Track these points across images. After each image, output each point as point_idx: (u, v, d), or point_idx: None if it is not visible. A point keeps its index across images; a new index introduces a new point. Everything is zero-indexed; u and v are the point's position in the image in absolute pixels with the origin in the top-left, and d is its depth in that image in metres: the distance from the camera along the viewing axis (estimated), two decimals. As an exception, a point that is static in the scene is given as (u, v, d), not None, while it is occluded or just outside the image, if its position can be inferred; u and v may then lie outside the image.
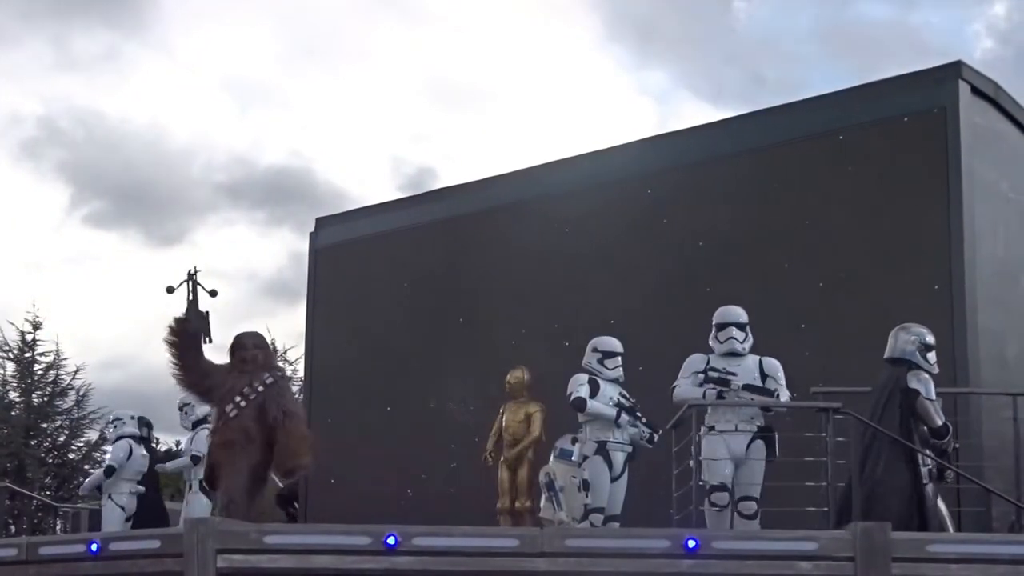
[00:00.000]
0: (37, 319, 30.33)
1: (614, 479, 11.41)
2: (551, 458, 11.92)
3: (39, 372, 30.23)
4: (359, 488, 16.13)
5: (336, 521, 10.93)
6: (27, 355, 30.15)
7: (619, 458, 11.47)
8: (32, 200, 49.73)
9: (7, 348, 30.14)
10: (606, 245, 14.75)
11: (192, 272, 10.05)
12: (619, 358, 11.77)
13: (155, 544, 8.99)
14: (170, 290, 10.02)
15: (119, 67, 52.42)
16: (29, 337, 30.21)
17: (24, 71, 50.42)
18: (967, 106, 12.59)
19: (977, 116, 12.78)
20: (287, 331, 47.72)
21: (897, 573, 8.30)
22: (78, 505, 17.58)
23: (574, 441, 11.86)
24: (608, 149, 15.50)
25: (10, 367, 30.12)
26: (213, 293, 10.03)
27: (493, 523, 12.24)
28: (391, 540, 8.49)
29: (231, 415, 9.68)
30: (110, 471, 14.38)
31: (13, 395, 30.00)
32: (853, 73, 57.48)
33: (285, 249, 53.02)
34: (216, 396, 9.87)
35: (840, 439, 9.95)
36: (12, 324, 30.60)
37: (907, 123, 12.85)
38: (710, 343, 11.14)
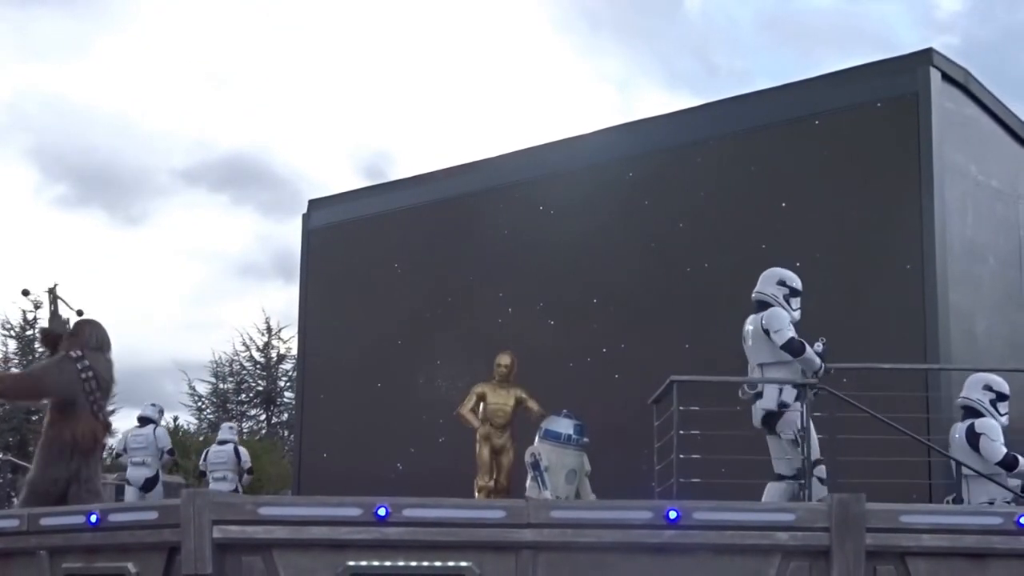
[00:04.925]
0: (38, 298, 30.59)
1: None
2: (536, 439, 12.04)
3: (40, 350, 30.48)
4: (351, 462, 16.48)
5: (329, 493, 11.17)
6: (28, 333, 30.46)
7: None
8: (1, 184, 49.64)
9: (9, 326, 30.47)
10: (589, 226, 14.99)
11: (53, 288, 10.40)
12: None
13: (152, 515, 9.03)
14: (26, 292, 10.40)
15: (83, 54, 52.46)
16: (30, 316, 30.57)
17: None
18: (938, 92, 12.83)
19: (948, 102, 13.02)
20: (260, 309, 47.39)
21: (871, 543, 8.42)
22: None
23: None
24: (591, 133, 15.75)
25: (12, 344, 30.49)
26: (80, 313, 10.38)
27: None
28: (382, 511, 8.49)
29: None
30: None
31: (15, 372, 30.26)
32: (798, 62, 57.41)
33: (249, 230, 52.79)
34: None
35: (817, 414, 10.14)
36: (14, 303, 31.03)
37: (880, 108, 13.11)
38: (783, 305, 10.54)
